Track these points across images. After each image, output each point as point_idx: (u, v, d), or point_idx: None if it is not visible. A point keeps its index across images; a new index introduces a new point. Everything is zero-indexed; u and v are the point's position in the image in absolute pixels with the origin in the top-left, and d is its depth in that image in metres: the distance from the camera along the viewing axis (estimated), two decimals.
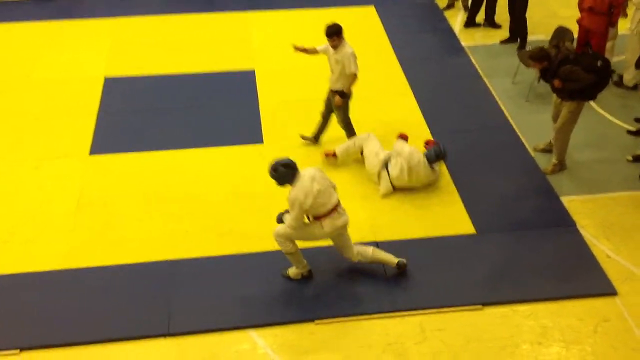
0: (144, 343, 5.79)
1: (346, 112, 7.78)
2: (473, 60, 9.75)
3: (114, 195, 7.37)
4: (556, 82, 7.21)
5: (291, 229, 6.03)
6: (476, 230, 6.94)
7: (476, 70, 9.54)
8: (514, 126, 8.42)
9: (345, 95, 7.60)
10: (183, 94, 9.04)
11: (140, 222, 7.03)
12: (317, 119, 8.02)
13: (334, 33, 7.31)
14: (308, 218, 6.10)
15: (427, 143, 7.69)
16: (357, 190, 7.42)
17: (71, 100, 8.84)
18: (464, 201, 7.29)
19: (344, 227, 6.13)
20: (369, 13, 10.96)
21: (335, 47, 7.39)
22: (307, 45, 7.66)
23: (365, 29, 10.51)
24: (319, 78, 9.05)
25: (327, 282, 6.35)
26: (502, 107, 8.75)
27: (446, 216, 7.11)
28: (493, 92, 9.03)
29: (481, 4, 10.48)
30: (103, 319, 5.98)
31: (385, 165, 7.39)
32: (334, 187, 6.15)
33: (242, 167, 7.79)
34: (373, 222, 7.01)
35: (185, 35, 10.36)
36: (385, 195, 7.36)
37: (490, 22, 10.62)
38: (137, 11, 10.97)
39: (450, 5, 11.21)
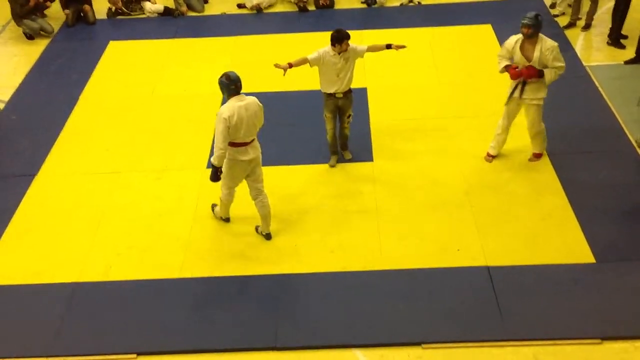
0: (251, 355, 5.91)
1: None
2: (595, 81, 9.34)
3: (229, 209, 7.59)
4: None
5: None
6: (595, 258, 6.63)
7: (598, 91, 9.14)
8: (638, 151, 7.99)
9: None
10: (296, 110, 9.20)
11: (253, 234, 7.20)
12: (428, 138, 7.93)
13: (348, 36, 7.39)
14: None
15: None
16: (467, 216, 7.27)
17: (191, 115, 9.20)
18: (582, 227, 6.98)
19: (250, 162, 6.64)
20: (486, 31, 10.75)
21: (344, 50, 7.42)
22: (293, 60, 7.54)
23: (482, 48, 10.31)
24: (429, 97, 9.00)
25: (435, 304, 6.25)
26: (626, 131, 8.33)
27: (563, 243, 6.84)
28: (617, 115, 8.61)
29: (623, 18, 9.96)
30: (213, 328, 6.15)
31: None
32: (257, 127, 6.62)
33: (352, 184, 7.82)
34: (485, 247, 6.84)
35: (301, 53, 10.54)
36: None
37: (615, 41, 10.14)
38: (254, 30, 11.30)
39: (571, 24, 10.81)
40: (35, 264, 7.00)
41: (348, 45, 7.42)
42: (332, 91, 7.67)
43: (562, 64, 7.31)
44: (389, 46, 7.70)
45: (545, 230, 7.02)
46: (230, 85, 6.42)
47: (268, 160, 8.18)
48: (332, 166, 8.10)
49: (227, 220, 7.39)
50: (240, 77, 6.47)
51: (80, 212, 7.64)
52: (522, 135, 8.31)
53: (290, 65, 7.49)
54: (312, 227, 7.24)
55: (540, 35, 7.28)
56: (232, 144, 6.51)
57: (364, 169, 8.05)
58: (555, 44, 7.29)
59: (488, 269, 6.58)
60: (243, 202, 7.34)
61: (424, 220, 7.24)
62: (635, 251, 6.68)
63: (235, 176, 6.81)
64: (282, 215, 7.43)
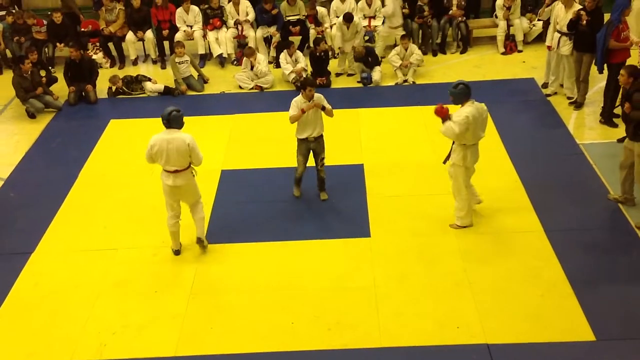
0: None
1: None
2: (589, 159, 9.47)
3: (225, 285, 7.56)
4: (627, 105, 7.85)
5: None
6: (595, 336, 6.55)
7: (592, 169, 9.25)
8: (634, 226, 8.03)
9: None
10: (287, 187, 9.23)
11: (248, 311, 7.13)
12: (425, 213, 7.99)
13: (313, 84, 8.35)
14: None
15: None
16: (466, 292, 7.23)
17: None
18: (581, 304, 6.94)
19: (173, 188, 7.55)
20: None
21: (311, 97, 8.25)
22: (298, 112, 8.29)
23: None
24: (425, 173, 9.10)
25: None
26: (622, 208, 8.39)
27: (562, 320, 6.78)
28: (611, 192, 8.69)
29: (615, 97, 10.11)
30: None
31: None
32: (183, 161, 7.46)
33: (349, 260, 7.81)
34: (484, 324, 6.77)
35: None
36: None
37: (608, 120, 10.31)
38: (253, 108, 11.51)
39: (577, 104, 10.90)
40: (29, 344, 6.90)
41: (312, 92, 8.23)
42: (305, 136, 8.46)
43: (456, 123, 7.52)
44: (323, 108, 8.44)
45: (545, 307, 6.97)
46: (163, 121, 7.41)
47: (260, 237, 8.25)
48: (298, 197, 8.91)
49: (176, 253, 7.98)
50: (176, 116, 7.38)
51: (76, 290, 7.59)
52: (517, 210, 8.39)
53: (301, 115, 8.28)
54: (309, 304, 7.18)
55: (471, 101, 7.61)
56: (163, 168, 7.57)
57: (362, 244, 8.05)
58: (462, 113, 7.50)
59: (488, 346, 6.50)
60: (238, 279, 7.30)
61: (422, 297, 7.19)
62: (635, 328, 6.61)
63: (166, 195, 7.72)
64: (278, 291, 7.39)
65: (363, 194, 8.98)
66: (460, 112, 7.54)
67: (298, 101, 8.32)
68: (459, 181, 7.91)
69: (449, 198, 8.57)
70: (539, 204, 8.52)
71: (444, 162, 8.08)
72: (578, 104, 10.83)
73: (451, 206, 8.26)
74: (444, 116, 7.63)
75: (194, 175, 7.73)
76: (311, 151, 8.64)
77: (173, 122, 7.40)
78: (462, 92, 7.55)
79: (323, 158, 8.67)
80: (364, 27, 12.91)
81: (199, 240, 7.94)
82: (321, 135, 8.54)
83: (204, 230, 8.03)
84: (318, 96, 8.35)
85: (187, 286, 7.53)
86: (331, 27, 12.79)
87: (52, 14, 13.13)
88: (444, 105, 7.66)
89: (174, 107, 7.50)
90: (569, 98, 11.01)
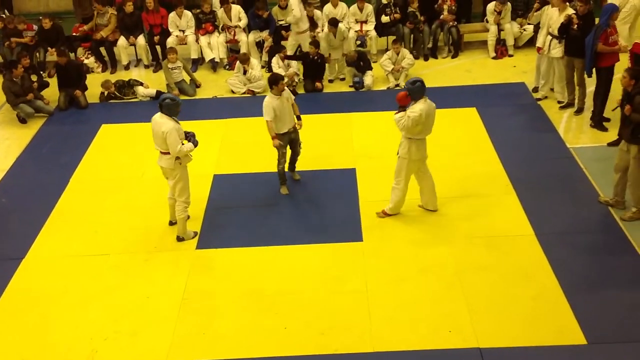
0: None
1: None
2: (580, 163, 9.51)
3: (217, 290, 7.54)
4: (627, 107, 7.91)
5: None
6: (587, 339, 6.58)
7: (583, 172, 9.29)
8: (625, 231, 8.07)
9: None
10: (276, 190, 9.23)
11: (241, 316, 7.12)
12: (418, 217, 8.01)
13: (281, 77, 8.83)
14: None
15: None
16: (458, 297, 7.25)
17: None
18: (573, 307, 6.96)
19: (161, 168, 8.09)
20: (471, 114, 11.00)
21: (283, 90, 8.65)
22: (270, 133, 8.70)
23: (467, 130, 10.54)
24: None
25: None
26: (612, 211, 8.43)
27: (553, 323, 6.80)
28: (601, 195, 8.73)
29: (604, 101, 10.16)
30: None
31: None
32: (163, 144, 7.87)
33: (341, 265, 7.81)
34: (476, 328, 6.79)
35: None
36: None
37: (598, 124, 10.36)
38: (245, 113, 11.43)
39: (569, 105, 10.93)
40: (21, 349, 6.86)
41: (283, 85, 8.65)
42: (285, 130, 8.80)
43: (410, 117, 7.84)
44: (298, 117, 8.95)
45: (536, 310, 6.99)
46: (166, 109, 7.86)
47: (253, 242, 8.24)
48: (286, 194, 9.10)
49: (170, 223, 8.56)
50: (168, 104, 7.78)
51: (68, 296, 7.56)
52: (508, 214, 8.43)
53: (274, 136, 8.68)
54: (302, 308, 7.18)
55: (424, 98, 7.95)
56: None
57: (354, 248, 8.06)
58: (417, 109, 7.83)
59: (480, 350, 6.51)
60: (230, 284, 7.29)
61: (415, 301, 7.20)
62: (628, 332, 6.64)
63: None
64: (270, 296, 7.38)
65: (355, 199, 8.98)
66: (414, 108, 7.85)
67: (270, 103, 8.60)
68: (402, 173, 8.26)
69: (441, 201, 8.61)
70: (530, 208, 8.54)
71: (397, 154, 8.34)
72: (578, 109, 10.77)
73: (442, 209, 8.28)
74: (403, 105, 7.95)
75: (180, 164, 8.02)
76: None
77: (163, 108, 7.84)
78: (418, 89, 7.88)
79: (300, 142, 9.14)
80: (355, 31, 12.95)
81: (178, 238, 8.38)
82: (295, 125, 8.97)
83: (181, 229, 8.32)
84: (284, 89, 8.74)
85: (179, 291, 7.51)
86: (322, 30, 12.78)
87: (42, 19, 13.09)
88: (408, 95, 7.95)
89: (170, 96, 7.97)
90: (559, 102, 11.06)
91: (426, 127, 8.01)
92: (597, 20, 10.25)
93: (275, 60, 12.16)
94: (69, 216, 8.98)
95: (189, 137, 8.11)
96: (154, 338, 6.90)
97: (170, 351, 6.73)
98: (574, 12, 10.36)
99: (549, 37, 10.78)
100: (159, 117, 7.89)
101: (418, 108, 7.83)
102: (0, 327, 7.17)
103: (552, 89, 11.31)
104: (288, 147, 9.04)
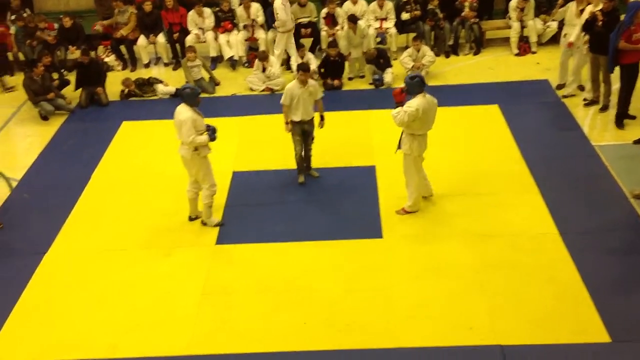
0: None
1: None
2: (604, 160, 9.38)
3: (236, 285, 7.53)
4: None
5: None
6: (611, 337, 6.48)
7: (607, 170, 9.16)
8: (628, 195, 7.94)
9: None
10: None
11: (260, 311, 7.12)
12: (438, 214, 7.94)
13: (307, 69, 8.79)
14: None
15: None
16: (478, 294, 7.17)
17: None
18: (597, 306, 6.86)
19: (180, 156, 8.11)
20: (493, 112, 10.90)
21: (305, 81, 8.67)
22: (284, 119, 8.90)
23: (490, 128, 10.44)
24: (438, 175, 9.03)
25: None
26: (637, 209, 8.30)
27: (576, 321, 6.71)
28: (626, 194, 8.59)
29: (628, 99, 10.02)
30: None
31: None
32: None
33: (361, 261, 7.77)
34: (497, 326, 6.71)
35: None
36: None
37: (616, 120, 10.19)
38: (263, 110, 11.46)
39: (592, 102, 10.79)
40: (42, 342, 6.92)
41: (306, 77, 8.67)
42: (299, 119, 8.84)
43: (407, 113, 7.83)
44: (321, 117, 9.07)
45: (559, 309, 6.90)
46: (185, 99, 7.97)
47: (272, 237, 8.23)
48: (302, 183, 9.17)
49: (190, 219, 8.59)
50: (187, 93, 7.91)
51: (89, 290, 7.60)
52: (531, 212, 8.33)
53: (288, 123, 8.87)
54: (321, 304, 7.15)
55: (423, 93, 7.92)
56: None
57: (373, 245, 8.01)
58: (413, 104, 7.82)
59: (501, 348, 6.44)
60: (250, 280, 7.28)
61: (435, 298, 7.14)
62: None
63: None
64: (290, 291, 7.36)
65: (375, 196, 8.93)
66: (411, 103, 7.85)
67: (291, 89, 8.72)
68: (411, 170, 8.23)
69: (462, 199, 8.55)
70: (554, 206, 8.44)
71: (395, 152, 8.33)
72: (603, 107, 10.62)
73: (464, 206, 8.20)
74: (399, 101, 7.96)
75: (198, 155, 8.06)
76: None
77: (184, 97, 7.94)
78: (417, 84, 7.86)
79: (313, 138, 9.14)
80: (375, 29, 12.89)
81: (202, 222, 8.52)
82: (312, 118, 8.97)
83: (205, 214, 8.45)
84: (313, 84, 8.86)
85: (199, 286, 7.52)
86: (342, 28, 12.74)
87: (62, 18, 13.19)
88: (404, 91, 7.96)
89: (190, 85, 8.24)
90: (584, 99, 10.90)
91: (426, 122, 7.99)
92: (622, 17, 10.11)
93: (294, 58, 12.13)
94: (90, 212, 9.03)
95: (209, 130, 8.08)
96: (174, 332, 6.91)
97: (190, 345, 6.73)
98: (600, 8, 10.22)
99: (577, 32, 10.63)
100: (180, 107, 7.97)
101: (415, 103, 7.82)
102: (22, 320, 7.23)
103: (580, 88, 11.12)
104: (301, 138, 9.09)
